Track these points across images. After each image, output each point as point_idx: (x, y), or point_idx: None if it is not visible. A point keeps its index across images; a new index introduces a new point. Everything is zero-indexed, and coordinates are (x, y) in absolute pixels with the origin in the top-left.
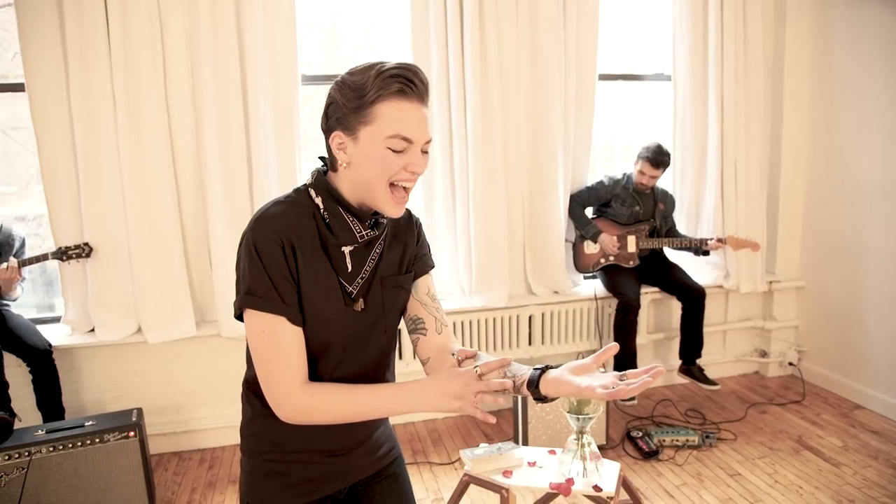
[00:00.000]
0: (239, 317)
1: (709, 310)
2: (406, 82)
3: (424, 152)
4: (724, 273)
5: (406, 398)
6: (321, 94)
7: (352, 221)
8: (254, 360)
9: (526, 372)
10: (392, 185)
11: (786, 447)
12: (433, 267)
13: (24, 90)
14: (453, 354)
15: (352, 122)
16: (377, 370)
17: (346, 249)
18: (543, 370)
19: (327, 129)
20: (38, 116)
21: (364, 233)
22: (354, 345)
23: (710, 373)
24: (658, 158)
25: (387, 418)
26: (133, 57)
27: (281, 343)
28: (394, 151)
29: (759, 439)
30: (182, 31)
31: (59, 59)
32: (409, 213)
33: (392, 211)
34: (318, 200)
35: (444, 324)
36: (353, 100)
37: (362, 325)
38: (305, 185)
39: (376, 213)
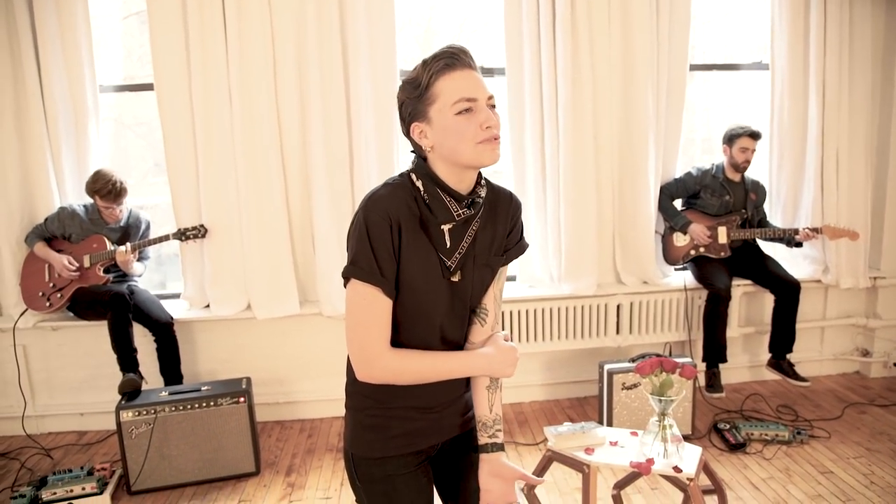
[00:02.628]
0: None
1: (806, 305)
2: (449, 56)
3: (492, 107)
4: (823, 267)
5: (474, 364)
6: None
7: (449, 201)
8: (348, 323)
9: (490, 431)
10: (478, 144)
11: (886, 449)
12: (524, 251)
13: (145, 90)
14: (502, 332)
15: (421, 109)
16: (461, 339)
17: (446, 227)
18: (491, 449)
19: (406, 128)
20: (164, 112)
21: (461, 211)
22: (449, 314)
23: (806, 370)
24: (755, 130)
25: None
26: (247, 59)
27: (376, 310)
28: (463, 115)
29: (856, 439)
30: (291, 34)
31: (184, 61)
32: (510, 194)
33: (488, 158)
34: (419, 184)
35: (498, 322)
36: (413, 90)
37: (456, 296)
38: (408, 170)
39: (472, 193)
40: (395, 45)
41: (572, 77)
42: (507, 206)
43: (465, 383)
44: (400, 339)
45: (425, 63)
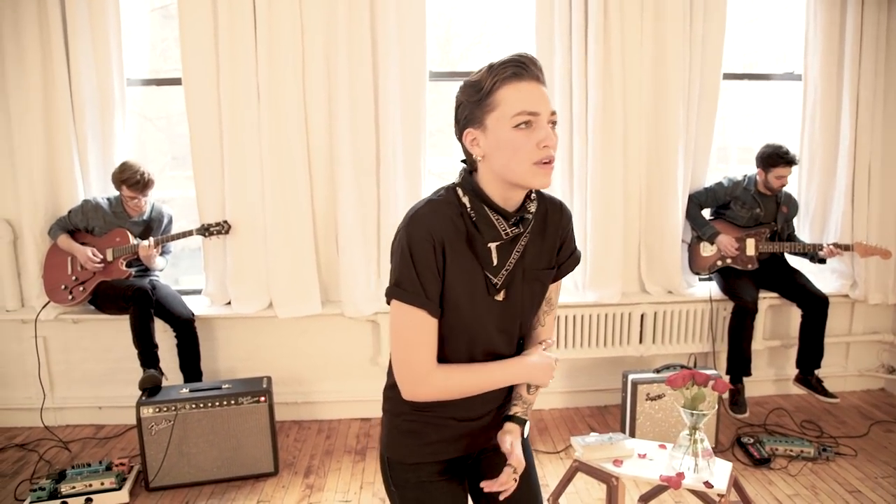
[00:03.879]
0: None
1: (832, 320)
2: (518, 65)
3: (552, 123)
4: (851, 282)
5: (513, 372)
6: (436, 89)
7: (497, 220)
8: (393, 343)
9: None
10: (533, 165)
11: None
12: (577, 263)
13: (172, 84)
14: (541, 343)
15: (478, 115)
16: (510, 354)
17: (493, 245)
18: (514, 419)
19: (460, 132)
20: (191, 107)
21: (508, 230)
22: (496, 330)
23: (831, 386)
24: (793, 157)
25: (510, 396)
26: (276, 55)
27: (422, 331)
28: (521, 130)
29: (884, 458)
30: (321, 32)
31: (212, 57)
32: (560, 206)
33: (540, 181)
34: (465, 200)
35: (542, 324)
36: (475, 94)
37: (503, 313)
38: (454, 183)
39: (521, 209)
40: (426, 46)
41: (602, 82)
42: (559, 217)
43: (503, 397)
44: (444, 353)
45: (491, 67)
